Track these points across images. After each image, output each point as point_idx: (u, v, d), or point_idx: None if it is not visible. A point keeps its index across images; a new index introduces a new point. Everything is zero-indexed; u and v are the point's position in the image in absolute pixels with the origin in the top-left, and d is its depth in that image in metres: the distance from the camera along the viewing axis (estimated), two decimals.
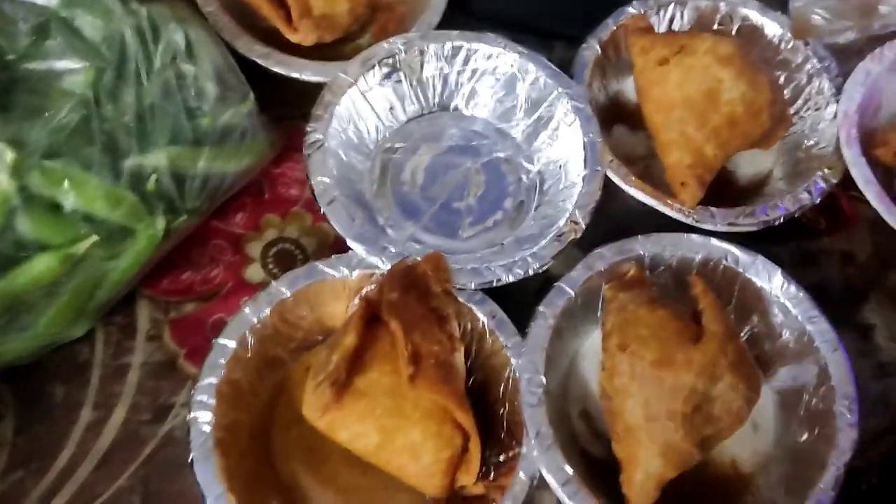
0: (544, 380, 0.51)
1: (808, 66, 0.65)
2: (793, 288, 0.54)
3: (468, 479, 0.49)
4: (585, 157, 0.59)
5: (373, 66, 0.61)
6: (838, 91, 0.63)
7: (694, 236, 0.56)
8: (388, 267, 0.53)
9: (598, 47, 0.65)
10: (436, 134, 0.65)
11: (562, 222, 0.57)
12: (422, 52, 0.62)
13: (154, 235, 0.52)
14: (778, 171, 0.65)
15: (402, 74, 0.63)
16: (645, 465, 0.48)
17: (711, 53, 0.60)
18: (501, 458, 0.51)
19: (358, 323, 0.48)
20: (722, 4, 0.67)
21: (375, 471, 0.50)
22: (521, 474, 0.48)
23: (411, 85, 0.63)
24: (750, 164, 0.65)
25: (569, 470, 0.48)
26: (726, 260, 0.55)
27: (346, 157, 0.60)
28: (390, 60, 0.62)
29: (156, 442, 0.53)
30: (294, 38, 0.62)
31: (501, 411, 0.52)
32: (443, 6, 0.66)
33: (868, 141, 0.61)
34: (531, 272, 0.55)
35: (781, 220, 0.58)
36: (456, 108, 0.65)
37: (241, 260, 0.60)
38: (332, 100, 0.59)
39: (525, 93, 0.63)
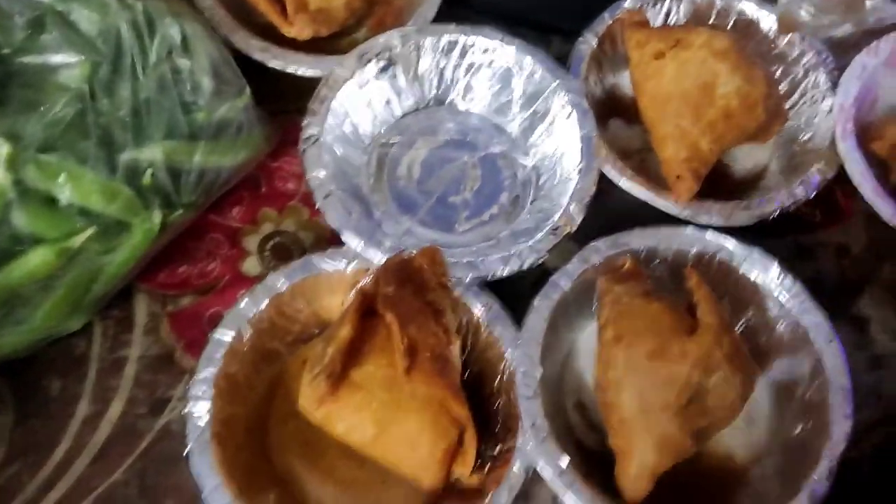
0: (539, 372, 0.51)
1: (805, 59, 0.66)
2: (788, 280, 0.54)
3: (464, 471, 0.49)
4: (581, 150, 0.59)
5: (369, 61, 0.61)
6: (834, 85, 0.63)
7: (689, 230, 0.56)
8: (384, 260, 0.53)
9: (594, 41, 0.65)
10: (432, 128, 0.65)
11: (557, 216, 0.57)
12: (418, 47, 0.62)
13: (150, 229, 0.52)
14: (774, 165, 0.65)
15: (398, 69, 0.63)
16: (639, 456, 0.48)
17: (707, 47, 0.60)
18: (497, 450, 0.51)
19: (353, 316, 0.49)
20: None
21: (372, 464, 0.50)
22: (517, 466, 0.49)
23: (408, 79, 0.63)
24: (746, 158, 0.65)
25: (564, 461, 0.48)
26: (721, 253, 0.56)
27: (343, 151, 0.60)
28: (386, 55, 0.62)
29: (152, 435, 0.54)
30: (290, 32, 0.63)
31: (497, 404, 0.53)
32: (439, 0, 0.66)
33: (864, 135, 0.61)
34: (527, 266, 0.55)
35: (777, 213, 0.58)
36: (452, 103, 0.65)
37: (237, 253, 0.60)
38: (328, 94, 0.59)
39: (521, 87, 0.63)
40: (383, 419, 0.48)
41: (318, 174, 0.56)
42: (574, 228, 0.56)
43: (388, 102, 0.63)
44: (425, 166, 0.63)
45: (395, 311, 0.49)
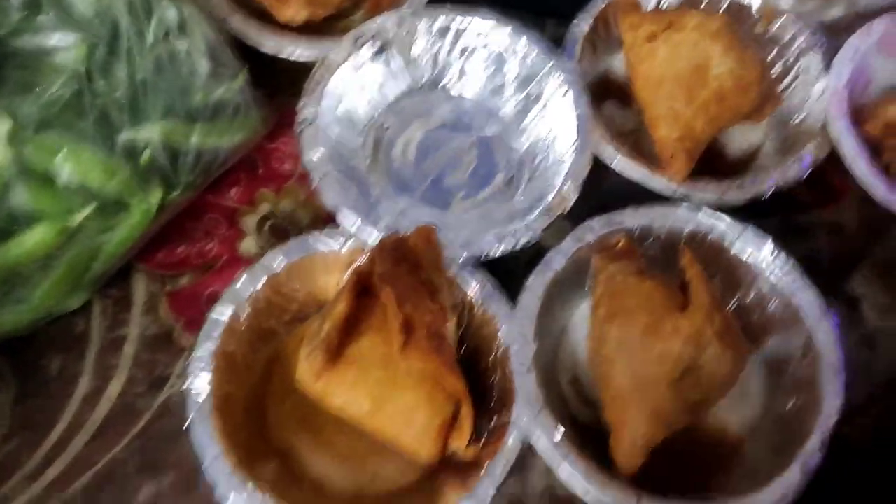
0: (534, 347, 0.51)
1: (797, 42, 0.66)
2: (781, 258, 0.55)
3: (460, 445, 0.49)
4: (576, 130, 0.59)
5: (363, 44, 0.62)
6: (827, 67, 0.63)
7: (683, 208, 0.57)
8: (380, 240, 0.53)
9: (588, 24, 0.65)
10: (427, 111, 0.65)
11: (551, 196, 0.57)
12: (412, 30, 0.63)
13: (148, 209, 0.53)
14: (767, 146, 0.65)
15: (392, 52, 0.63)
16: (633, 428, 0.49)
17: (700, 29, 0.61)
18: (492, 424, 0.51)
19: (350, 293, 0.49)
20: None
21: (369, 438, 0.50)
22: (512, 439, 0.49)
23: (402, 62, 0.64)
24: (739, 139, 0.66)
25: (558, 434, 0.49)
26: (714, 231, 0.56)
27: (338, 133, 0.60)
28: (381, 38, 0.62)
29: (151, 413, 0.54)
30: (285, 15, 0.63)
31: (492, 379, 0.53)
32: None
33: (857, 116, 0.62)
34: (521, 245, 0.55)
35: (770, 193, 0.59)
36: (447, 85, 0.66)
37: (235, 233, 0.61)
38: (323, 77, 0.60)
39: (516, 69, 0.64)
40: (380, 394, 0.48)
41: (314, 155, 0.57)
42: (568, 208, 0.57)
43: (382, 85, 0.64)
44: (420, 148, 0.63)
45: (391, 287, 0.49)
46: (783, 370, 0.54)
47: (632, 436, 0.49)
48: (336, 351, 0.48)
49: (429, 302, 0.51)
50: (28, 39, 0.49)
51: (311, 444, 0.52)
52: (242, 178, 0.63)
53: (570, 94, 0.61)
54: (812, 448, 0.49)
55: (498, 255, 0.55)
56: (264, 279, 0.53)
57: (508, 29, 0.63)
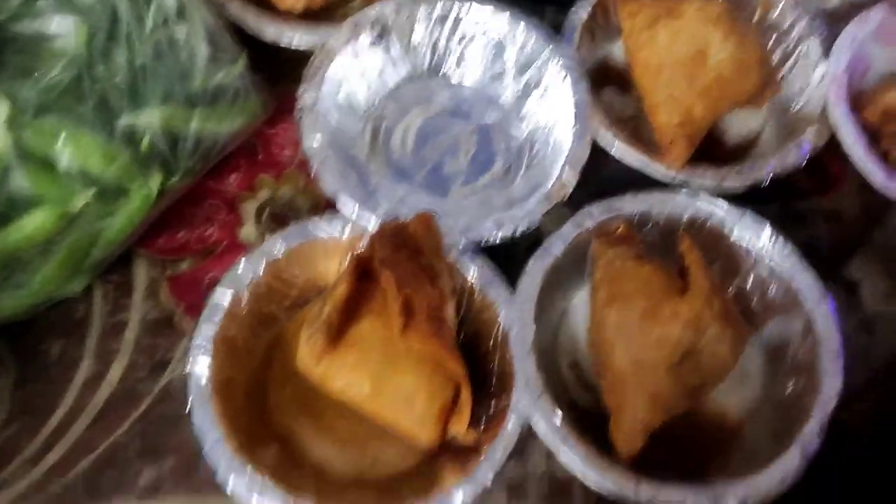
0: (533, 331, 0.52)
1: (796, 29, 0.66)
2: (780, 242, 0.55)
3: (460, 428, 0.50)
4: (575, 116, 0.59)
5: (363, 30, 0.62)
6: (826, 54, 0.63)
7: (682, 194, 0.57)
8: (379, 225, 0.53)
9: (587, 12, 0.65)
10: (426, 98, 0.65)
11: (551, 182, 0.58)
12: (411, 16, 0.63)
13: (148, 195, 0.53)
14: (767, 132, 0.65)
15: (392, 39, 0.63)
16: (632, 411, 0.49)
17: (699, 16, 0.61)
18: (492, 408, 0.52)
19: (350, 276, 0.49)
20: None
21: (369, 422, 0.50)
22: (511, 423, 0.49)
23: (401, 49, 0.64)
24: (739, 125, 0.66)
25: (558, 417, 0.49)
26: (713, 217, 0.56)
27: (338, 119, 0.60)
28: (380, 24, 0.62)
29: (152, 397, 0.54)
30: (285, 3, 0.63)
31: (492, 364, 0.53)
32: None
33: (856, 103, 0.62)
34: (520, 231, 0.55)
35: (769, 180, 0.59)
36: (446, 72, 0.66)
37: (235, 219, 0.61)
38: (322, 63, 0.60)
39: (514, 56, 0.64)
40: (380, 376, 0.49)
41: (313, 141, 0.57)
42: (567, 194, 0.57)
43: (382, 72, 0.64)
44: (420, 135, 0.63)
45: (392, 271, 0.49)
46: (782, 354, 0.55)
47: (631, 420, 0.49)
48: (336, 334, 0.48)
49: (428, 286, 0.51)
50: (27, 24, 0.49)
51: (312, 428, 0.52)
52: (242, 164, 0.63)
53: (569, 80, 0.61)
54: (811, 431, 0.49)
55: (497, 241, 0.55)
56: (264, 264, 0.53)
57: (507, 16, 0.63)
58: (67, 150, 0.48)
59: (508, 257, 0.55)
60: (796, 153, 0.60)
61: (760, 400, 0.55)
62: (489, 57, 0.64)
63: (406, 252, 0.51)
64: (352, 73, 0.62)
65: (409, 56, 0.65)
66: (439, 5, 0.63)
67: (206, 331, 0.51)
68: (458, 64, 0.65)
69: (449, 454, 0.51)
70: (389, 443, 0.51)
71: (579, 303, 0.58)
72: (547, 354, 0.54)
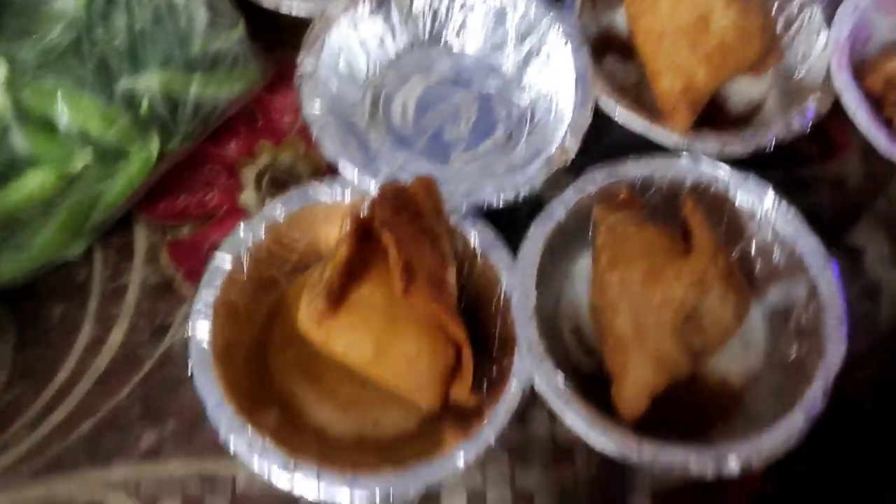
0: (535, 295, 0.51)
1: None
2: (783, 206, 0.55)
3: (462, 391, 0.49)
4: (576, 83, 0.59)
5: None
6: (829, 22, 0.63)
7: (685, 159, 0.57)
8: (380, 187, 0.53)
9: None
10: (427, 66, 0.65)
11: (553, 148, 0.57)
12: None
13: (148, 158, 0.53)
14: (769, 101, 0.65)
15: (392, 6, 0.63)
16: (635, 374, 0.49)
17: None
18: (494, 373, 0.51)
19: (350, 238, 0.49)
20: None
21: (371, 386, 0.50)
22: (514, 385, 0.49)
23: (401, 17, 0.64)
24: (741, 94, 0.65)
25: (561, 379, 0.49)
26: (716, 181, 0.56)
27: (338, 87, 0.60)
28: None
29: (153, 361, 0.54)
30: None
31: (493, 329, 0.53)
32: None
33: (858, 71, 0.62)
34: (522, 196, 0.55)
35: (772, 145, 0.58)
36: (446, 41, 0.65)
37: (235, 184, 0.61)
38: (322, 30, 0.60)
39: (516, 24, 0.63)
40: (381, 338, 0.48)
41: (313, 107, 0.57)
42: (569, 160, 0.57)
43: (382, 41, 0.64)
44: (420, 104, 0.63)
45: (392, 232, 0.49)
46: (786, 320, 0.54)
47: (634, 383, 0.49)
48: (338, 297, 0.48)
49: (429, 250, 0.51)
50: None
51: (313, 392, 0.52)
52: (242, 131, 0.62)
53: (571, 47, 0.60)
54: (815, 393, 0.49)
55: (499, 205, 0.55)
56: (264, 228, 0.53)
57: None
58: (67, 111, 0.48)
59: (510, 222, 0.55)
60: (800, 120, 0.59)
61: (763, 365, 0.55)
62: (490, 25, 0.64)
63: (406, 215, 0.51)
64: (352, 41, 0.61)
65: (410, 24, 0.64)
66: None
67: (206, 295, 0.50)
68: (459, 33, 0.65)
69: (451, 417, 0.51)
70: (391, 405, 0.51)
71: (581, 269, 0.58)
72: (549, 320, 0.54)
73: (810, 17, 0.64)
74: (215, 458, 0.52)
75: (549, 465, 0.53)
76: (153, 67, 0.52)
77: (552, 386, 0.49)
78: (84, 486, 0.51)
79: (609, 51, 0.66)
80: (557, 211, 0.54)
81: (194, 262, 0.57)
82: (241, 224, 0.53)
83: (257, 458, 0.46)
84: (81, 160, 0.49)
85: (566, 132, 0.57)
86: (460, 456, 0.47)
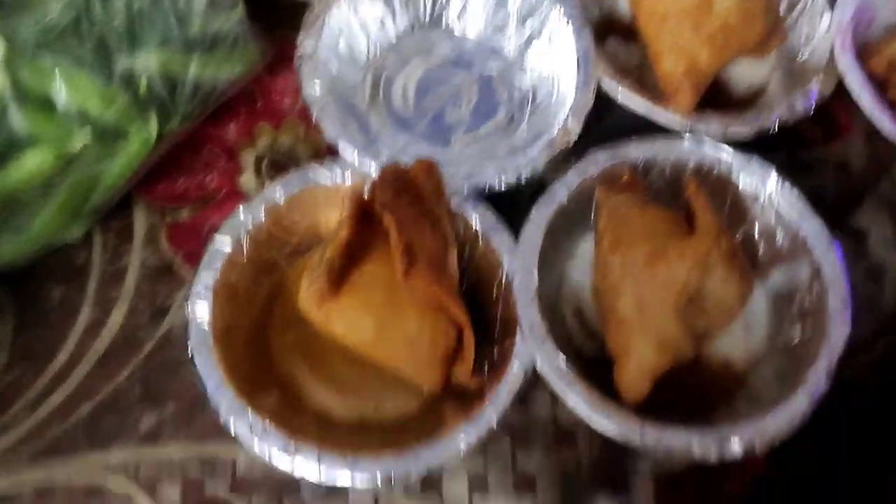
0: (537, 277, 0.51)
1: None
2: (787, 188, 0.54)
3: (463, 372, 0.49)
4: (578, 64, 0.59)
5: None
6: (832, 4, 0.63)
7: (687, 140, 0.56)
8: (381, 169, 0.52)
9: None
10: (427, 49, 0.64)
11: (555, 130, 0.57)
12: None
13: (147, 138, 0.52)
14: (773, 84, 0.65)
15: None
16: (638, 356, 0.48)
17: None
18: (496, 355, 0.51)
19: (351, 219, 0.48)
20: None
21: (372, 368, 0.50)
22: (516, 366, 0.49)
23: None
24: (744, 76, 0.65)
25: (563, 361, 0.48)
26: (719, 163, 0.55)
27: (338, 68, 0.60)
28: None
29: (153, 343, 0.54)
30: None
31: (495, 312, 0.53)
32: None
33: (862, 53, 0.61)
34: (524, 178, 0.55)
35: (775, 127, 0.58)
36: (447, 23, 0.65)
37: (235, 167, 0.60)
38: (322, 11, 0.59)
39: (517, 6, 0.63)
40: (382, 319, 0.48)
41: (313, 89, 0.56)
42: (572, 142, 0.56)
43: (382, 23, 0.63)
44: (421, 86, 0.63)
45: (393, 214, 0.49)
46: (789, 303, 0.54)
47: (637, 365, 0.49)
48: (339, 278, 0.48)
49: (430, 232, 0.50)
50: None
51: (313, 374, 0.52)
52: (241, 113, 0.62)
53: (572, 28, 0.60)
54: (819, 375, 0.49)
55: (501, 187, 0.54)
56: (264, 210, 0.52)
57: None
58: (65, 91, 0.48)
59: (512, 204, 0.54)
60: (803, 102, 0.59)
61: (766, 348, 0.54)
62: (491, 7, 0.64)
63: (407, 197, 0.51)
64: (352, 23, 0.61)
65: (410, 7, 0.64)
66: None
67: (205, 277, 0.50)
68: (460, 15, 0.65)
69: (453, 400, 0.50)
70: (392, 389, 0.51)
71: (583, 252, 0.57)
72: (551, 303, 0.54)
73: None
74: (215, 441, 0.51)
75: (551, 448, 0.53)
76: (152, 47, 0.51)
77: (554, 367, 0.48)
78: (83, 468, 0.51)
79: (611, 33, 0.65)
80: (559, 193, 0.54)
81: (194, 245, 0.56)
82: (241, 206, 0.52)
83: (258, 440, 0.46)
84: (80, 140, 0.48)
85: (568, 114, 0.57)
86: (462, 438, 0.47)
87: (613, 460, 0.52)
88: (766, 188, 0.55)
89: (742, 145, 0.56)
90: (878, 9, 0.64)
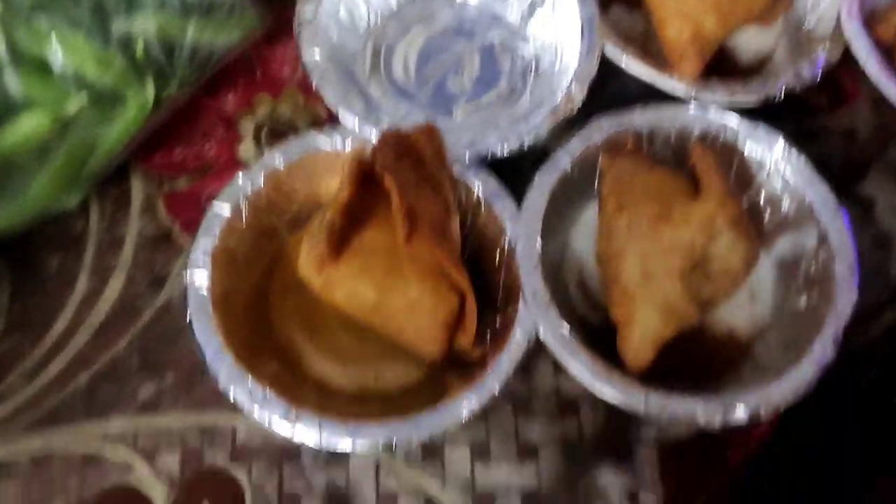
0: (540, 244, 0.50)
1: None
2: (794, 155, 0.54)
3: (465, 340, 0.49)
4: (582, 31, 0.58)
5: None
6: None
7: (692, 107, 0.55)
8: (381, 133, 0.52)
9: None
10: (428, 16, 0.63)
11: (558, 98, 0.56)
12: None
13: (144, 103, 0.52)
14: (779, 52, 0.64)
15: None
16: (642, 323, 0.48)
17: None
18: (498, 323, 0.50)
19: (351, 180, 0.48)
20: None
21: (373, 337, 0.49)
22: (518, 333, 0.48)
23: None
24: (750, 44, 0.64)
25: (566, 328, 0.48)
26: (725, 130, 0.55)
27: (338, 36, 0.59)
28: None
29: (152, 312, 0.54)
30: None
31: (498, 279, 0.52)
32: None
33: (868, 21, 0.61)
34: (527, 145, 0.54)
35: (782, 94, 0.57)
36: None
37: (233, 136, 0.60)
38: None
39: None
40: (384, 284, 0.47)
41: (313, 54, 0.55)
42: (575, 109, 0.55)
43: None
44: (422, 55, 0.62)
45: (394, 177, 0.48)
46: (795, 270, 0.53)
47: (641, 332, 0.48)
48: (339, 242, 0.47)
49: (431, 197, 0.50)
50: None
51: (314, 344, 0.51)
52: (240, 82, 0.61)
53: None
54: (825, 342, 0.48)
55: (503, 154, 0.53)
56: (264, 176, 0.52)
57: None
58: (61, 53, 0.47)
59: (515, 171, 0.53)
60: (810, 69, 0.58)
61: (772, 317, 0.54)
62: None
63: (408, 162, 0.50)
64: None
65: None
66: None
67: (204, 243, 0.50)
68: None
69: (455, 370, 0.50)
70: (393, 358, 0.50)
71: (587, 220, 0.56)
72: (554, 273, 0.53)
73: None
74: (214, 410, 0.51)
75: (554, 417, 0.52)
76: (149, 10, 0.51)
77: (557, 335, 0.48)
78: (81, 438, 0.50)
79: (615, 1, 0.65)
80: (563, 160, 0.53)
81: (192, 213, 0.56)
82: (240, 173, 0.52)
83: (258, 407, 0.45)
84: (76, 103, 0.48)
85: (572, 81, 0.56)
86: (464, 405, 0.46)
87: (617, 429, 0.52)
88: (773, 155, 0.54)
89: (748, 114, 0.56)
90: None
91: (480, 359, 0.49)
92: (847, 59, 0.58)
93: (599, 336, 0.51)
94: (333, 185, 0.54)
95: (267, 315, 0.52)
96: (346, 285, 0.47)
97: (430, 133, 0.51)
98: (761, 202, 0.55)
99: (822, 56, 0.58)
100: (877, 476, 0.55)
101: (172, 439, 0.50)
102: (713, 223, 0.48)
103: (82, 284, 0.54)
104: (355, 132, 0.53)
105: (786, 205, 0.54)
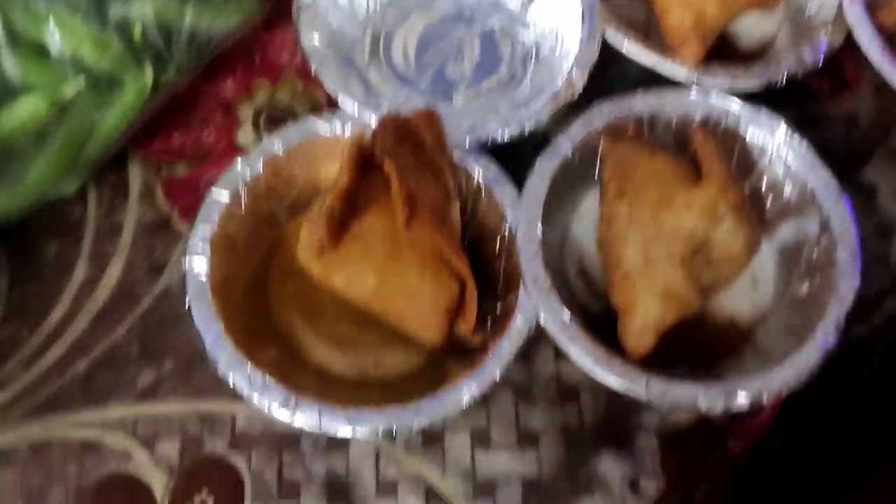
0: (540, 230, 0.50)
1: None
2: (796, 140, 0.53)
3: (466, 327, 0.48)
4: (583, 16, 0.57)
5: None
6: None
7: (694, 92, 0.55)
8: (381, 118, 0.51)
9: None
10: (427, 3, 0.63)
11: (559, 83, 0.56)
12: None
13: (142, 88, 0.51)
14: (780, 38, 0.63)
15: None
16: (643, 309, 0.48)
17: None
18: (499, 310, 0.50)
19: (351, 165, 0.47)
20: None
21: (373, 324, 0.49)
22: (519, 320, 0.48)
23: None
24: (752, 30, 0.64)
25: (567, 314, 0.47)
26: (727, 115, 0.54)
27: (338, 22, 0.59)
28: None
29: (151, 299, 0.53)
30: None
31: (498, 266, 0.52)
32: None
33: (871, 6, 0.60)
34: (528, 130, 0.54)
35: (783, 80, 0.57)
36: None
37: (232, 122, 0.59)
38: None
39: None
40: (383, 270, 0.47)
41: (312, 40, 0.55)
42: (576, 94, 0.55)
43: None
44: (421, 41, 0.61)
45: (394, 161, 0.48)
46: (797, 256, 0.53)
47: (642, 318, 0.48)
48: (339, 227, 0.47)
49: (432, 182, 0.49)
50: None
51: (313, 330, 0.51)
52: (239, 69, 0.61)
53: None
54: (828, 327, 0.48)
55: (504, 140, 0.53)
56: (262, 162, 0.51)
57: None
58: (59, 36, 0.46)
59: (516, 157, 0.53)
60: (812, 54, 0.58)
61: (774, 303, 0.53)
62: None
63: (408, 146, 0.50)
64: None
65: None
66: None
67: (203, 230, 0.49)
68: None
69: (455, 356, 0.49)
70: (393, 345, 0.50)
71: (587, 208, 0.56)
72: (554, 260, 0.53)
73: None
74: (214, 398, 0.51)
75: (555, 404, 0.52)
76: None
77: (558, 321, 0.47)
78: (80, 425, 0.50)
79: None
80: (564, 145, 0.53)
81: (191, 200, 0.55)
82: (239, 158, 0.51)
83: (257, 394, 0.45)
84: (74, 87, 0.47)
85: (572, 66, 0.56)
86: (464, 392, 0.46)
87: (618, 416, 0.52)
88: (775, 140, 0.54)
89: (749, 99, 0.55)
90: None
91: (481, 346, 0.49)
92: (849, 45, 0.58)
93: (600, 323, 0.50)
94: (333, 171, 0.54)
95: (266, 301, 0.51)
96: (345, 271, 0.47)
97: (430, 118, 0.51)
98: (763, 188, 0.55)
99: (825, 41, 0.58)
100: (878, 464, 0.55)
101: (171, 426, 0.50)
102: (715, 209, 0.48)
103: (80, 271, 0.54)
104: (355, 117, 0.53)
105: (788, 191, 0.54)
